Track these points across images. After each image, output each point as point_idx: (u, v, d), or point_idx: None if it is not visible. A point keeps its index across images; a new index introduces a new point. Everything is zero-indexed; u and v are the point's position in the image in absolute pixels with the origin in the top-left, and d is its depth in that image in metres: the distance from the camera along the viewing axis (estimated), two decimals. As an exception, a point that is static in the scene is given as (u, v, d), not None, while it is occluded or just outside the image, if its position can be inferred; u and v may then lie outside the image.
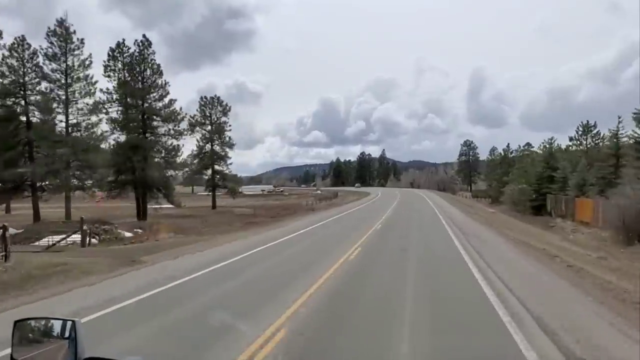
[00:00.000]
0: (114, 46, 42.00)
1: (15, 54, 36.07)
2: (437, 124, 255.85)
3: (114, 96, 41.38)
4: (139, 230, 27.42)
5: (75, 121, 38.05)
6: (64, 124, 37.75)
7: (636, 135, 30.15)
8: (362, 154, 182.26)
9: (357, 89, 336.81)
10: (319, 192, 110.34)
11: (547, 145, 48.85)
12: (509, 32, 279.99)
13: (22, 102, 36.42)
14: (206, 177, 62.28)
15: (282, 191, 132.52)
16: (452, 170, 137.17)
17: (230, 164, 62.99)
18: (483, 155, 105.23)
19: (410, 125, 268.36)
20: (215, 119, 60.89)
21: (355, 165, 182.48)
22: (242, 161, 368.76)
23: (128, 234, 25.39)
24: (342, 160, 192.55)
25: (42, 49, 36.86)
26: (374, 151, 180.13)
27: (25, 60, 36.36)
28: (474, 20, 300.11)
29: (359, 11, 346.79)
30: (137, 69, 42.02)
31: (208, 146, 60.70)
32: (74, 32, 37.73)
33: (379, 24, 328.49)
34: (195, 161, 59.13)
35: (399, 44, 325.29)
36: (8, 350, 1.77)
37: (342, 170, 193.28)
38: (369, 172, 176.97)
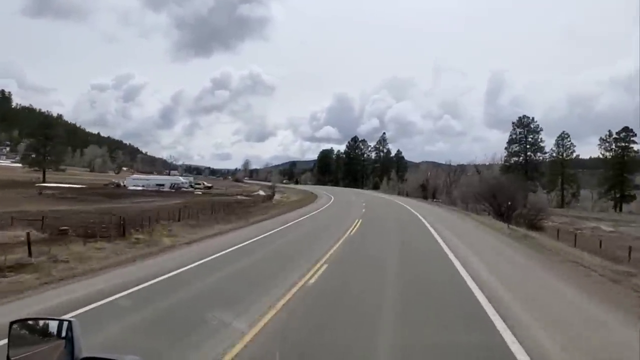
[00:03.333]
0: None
1: None
2: (452, 125, 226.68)
3: None
4: None
5: None
6: None
7: None
8: (354, 139, 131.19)
9: (373, 86, 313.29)
10: (260, 193, 76.09)
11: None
12: (530, 36, 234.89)
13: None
14: None
15: (209, 187, 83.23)
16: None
17: None
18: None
19: (425, 125, 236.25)
20: None
21: (344, 158, 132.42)
22: (253, 153, 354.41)
23: None
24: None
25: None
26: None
27: None
28: (494, 22, 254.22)
29: (380, 5, 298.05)
30: None
31: None
32: None
33: (400, 20, 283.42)
34: None
35: (419, 42, 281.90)
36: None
37: (330, 163, 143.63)
38: (361, 168, 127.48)
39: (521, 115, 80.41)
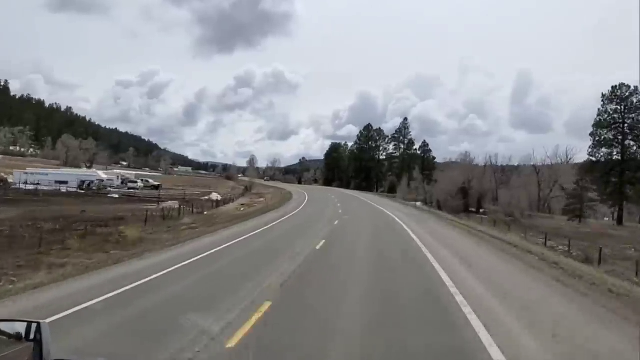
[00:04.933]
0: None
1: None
2: (478, 125, 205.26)
3: None
4: None
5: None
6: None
7: None
8: (367, 128, 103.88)
9: (397, 84, 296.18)
10: (212, 196, 42.60)
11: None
12: (559, 35, 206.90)
13: None
14: None
15: (155, 186, 58.93)
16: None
17: None
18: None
19: (449, 125, 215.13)
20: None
21: (355, 152, 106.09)
22: (275, 152, 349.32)
23: None
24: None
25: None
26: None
27: None
28: (523, 21, 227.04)
29: (405, 2, 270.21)
30: None
31: None
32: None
33: (426, 17, 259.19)
34: None
35: (445, 39, 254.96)
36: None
37: (340, 159, 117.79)
38: (376, 165, 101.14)
39: (616, 84, 52.38)
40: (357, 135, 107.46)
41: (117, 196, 46.82)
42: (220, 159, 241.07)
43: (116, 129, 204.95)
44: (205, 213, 33.14)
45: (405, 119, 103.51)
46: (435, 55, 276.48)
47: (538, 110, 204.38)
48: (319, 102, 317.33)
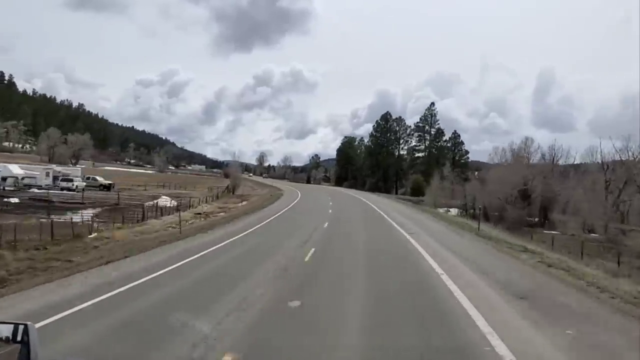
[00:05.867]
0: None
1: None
2: (499, 124, 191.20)
3: None
4: None
5: None
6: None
7: None
8: (385, 117, 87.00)
9: (416, 83, 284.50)
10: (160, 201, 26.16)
11: None
12: (581, 32, 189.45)
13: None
14: None
15: (106, 186, 43.89)
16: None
17: None
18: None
19: (470, 123, 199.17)
20: None
21: (370, 146, 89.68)
22: (293, 151, 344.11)
23: None
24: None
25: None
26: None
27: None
28: (545, 18, 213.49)
29: None
30: None
31: None
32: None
33: (446, 14, 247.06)
34: None
35: (465, 37, 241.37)
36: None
37: (353, 155, 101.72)
38: (396, 161, 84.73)
39: None
40: (373, 126, 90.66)
41: (17, 200, 32.15)
42: (238, 157, 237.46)
43: (132, 127, 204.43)
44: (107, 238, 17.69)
45: (433, 103, 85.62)
46: (456, 53, 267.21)
47: (560, 109, 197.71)
48: (337, 101, 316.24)
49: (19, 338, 1.57)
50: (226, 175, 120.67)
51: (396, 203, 44.68)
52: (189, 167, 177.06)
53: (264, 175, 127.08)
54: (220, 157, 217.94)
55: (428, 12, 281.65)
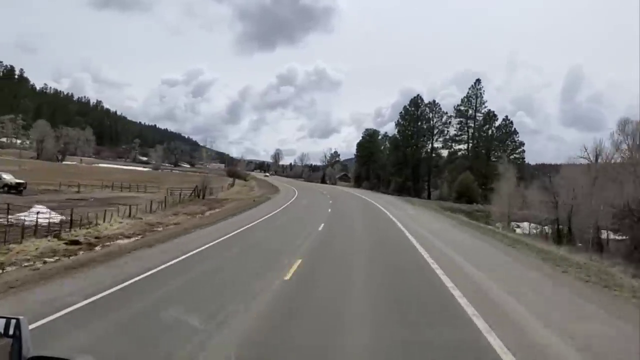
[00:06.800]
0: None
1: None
2: (526, 123, 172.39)
3: None
4: None
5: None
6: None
7: None
8: (414, 102, 69.20)
9: (442, 81, 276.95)
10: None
11: None
12: (611, 30, 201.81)
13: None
14: None
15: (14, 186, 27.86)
16: None
17: None
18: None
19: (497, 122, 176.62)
20: None
21: (397, 137, 72.09)
22: (317, 150, 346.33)
23: None
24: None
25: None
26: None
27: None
28: (574, 15, 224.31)
29: None
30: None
31: None
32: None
33: (471, 10, 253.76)
34: None
35: (492, 34, 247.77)
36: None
37: (376, 150, 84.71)
38: (428, 156, 67.03)
39: None
40: (400, 113, 72.45)
41: None
42: (262, 156, 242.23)
43: (155, 125, 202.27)
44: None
45: (478, 80, 65.47)
46: (482, 50, 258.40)
47: (589, 107, 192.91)
48: (360, 99, 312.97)
49: (10, 332, 1.53)
50: (230, 174, 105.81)
51: (447, 220, 26.32)
52: (208, 166, 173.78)
53: (270, 173, 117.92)
54: (245, 156, 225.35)
55: (453, 8, 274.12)
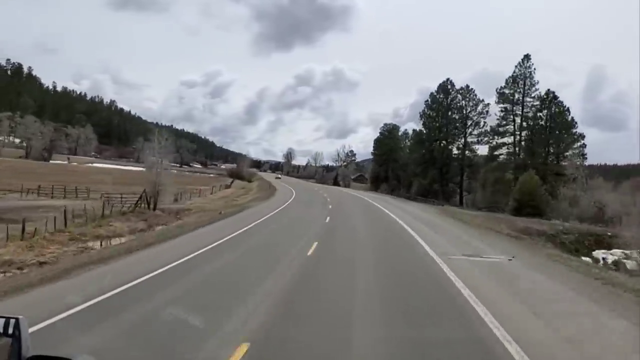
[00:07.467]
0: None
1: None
2: None
3: None
4: None
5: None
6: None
7: None
8: (444, 88, 56.86)
9: (460, 80, 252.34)
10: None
11: None
12: (634, 28, 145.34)
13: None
14: None
15: None
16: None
17: None
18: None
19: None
20: None
21: (421, 132, 59.83)
22: (333, 150, 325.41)
23: None
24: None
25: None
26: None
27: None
28: (595, 12, 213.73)
29: None
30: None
31: None
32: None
33: (490, 9, 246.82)
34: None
35: (512, 33, 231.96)
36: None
37: (396, 148, 73.05)
38: (461, 155, 54.73)
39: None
40: (425, 102, 59.70)
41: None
42: (279, 157, 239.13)
43: (172, 126, 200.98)
44: None
45: (527, 56, 50.06)
46: (501, 49, 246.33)
47: (612, 107, 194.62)
48: (378, 100, 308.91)
49: (10, 331, 1.54)
50: (231, 175, 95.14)
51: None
52: (222, 166, 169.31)
53: (280, 174, 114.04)
54: (262, 157, 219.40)
55: (471, 7, 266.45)
